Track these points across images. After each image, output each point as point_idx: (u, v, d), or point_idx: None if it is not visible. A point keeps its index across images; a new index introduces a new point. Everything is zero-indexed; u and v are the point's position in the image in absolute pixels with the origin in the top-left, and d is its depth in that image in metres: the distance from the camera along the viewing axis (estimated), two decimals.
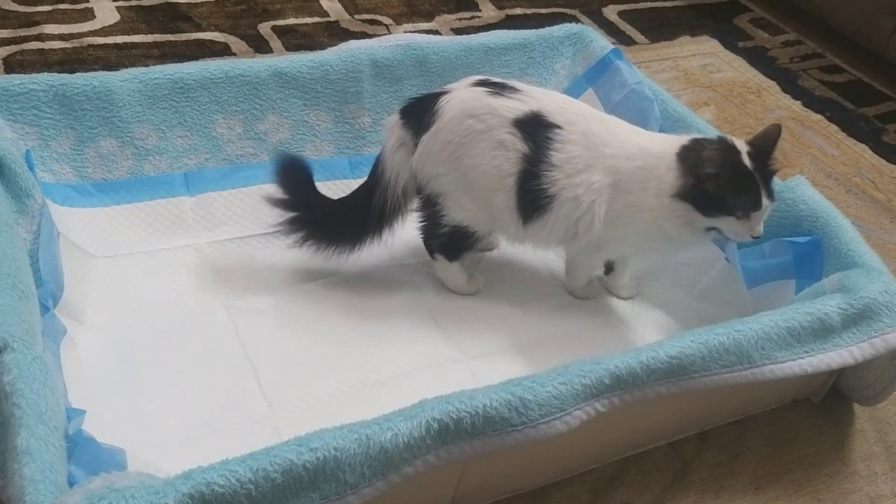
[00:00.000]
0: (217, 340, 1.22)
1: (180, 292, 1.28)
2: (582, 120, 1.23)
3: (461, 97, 1.25)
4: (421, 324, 1.29)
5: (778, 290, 1.26)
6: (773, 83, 2.09)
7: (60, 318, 1.13)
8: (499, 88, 1.25)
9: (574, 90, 1.58)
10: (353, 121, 1.48)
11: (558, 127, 1.22)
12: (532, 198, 1.22)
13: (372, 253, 1.39)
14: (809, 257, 1.23)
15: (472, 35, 1.58)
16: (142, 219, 1.35)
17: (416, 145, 1.24)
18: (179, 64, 1.39)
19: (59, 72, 1.72)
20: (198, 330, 1.23)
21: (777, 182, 1.31)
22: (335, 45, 1.98)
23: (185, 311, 1.26)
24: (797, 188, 1.29)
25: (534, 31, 1.63)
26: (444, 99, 1.25)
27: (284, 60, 1.43)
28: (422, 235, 1.34)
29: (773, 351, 1.04)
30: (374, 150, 1.50)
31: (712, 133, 1.40)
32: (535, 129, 1.22)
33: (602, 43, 1.62)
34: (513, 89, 1.25)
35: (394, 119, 1.28)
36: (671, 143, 1.22)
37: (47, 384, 0.89)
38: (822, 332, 1.07)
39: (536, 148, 1.21)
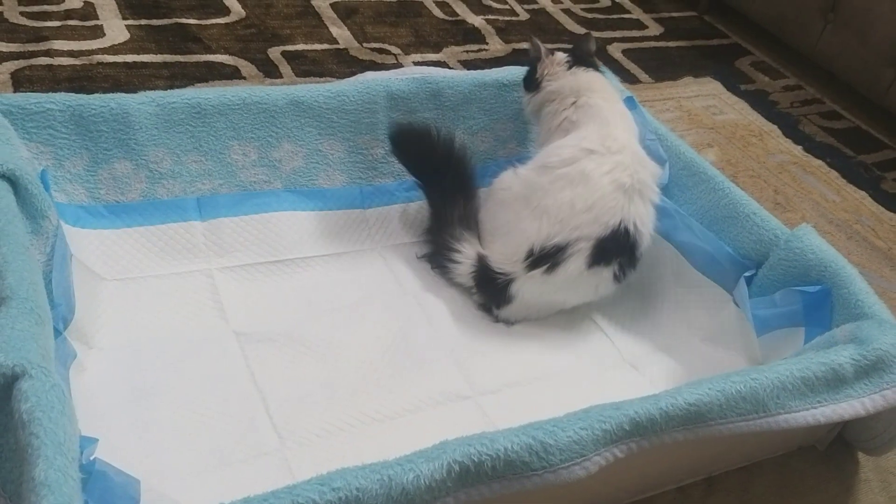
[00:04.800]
0: (226, 369, 1.21)
1: (190, 318, 1.27)
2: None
3: None
4: (434, 356, 1.29)
5: (787, 337, 1.27)
6: (774, 127, 2.12)
7: (70, 342, 1.12)
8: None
9: None
10: (366, 151, 1.49)
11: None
12: None
13: (387, 282, 1.40)
14: (819, 306, 1.25)
15: (486, 70, 1.59)
16: (153, 242, 1.34)
17: None
18: (197, 88, 1.39)
19: (69, 89, 1.73)
20: (207, 357, 1.22)
21: (784, 231, 1.34)
22: (344, 71, 2.01)
23: (195, 337, 1.24)
24: (805, 237, 1.30)
25: None
26: None
27: (302, 90, 1.43)
28: None
29: (787, 400, 1.05)
30: (385, 180, 1.52)
31: (720, 181, 1.43)
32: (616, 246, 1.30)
33: (613, 84, 1.63)
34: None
35: None
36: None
37: (65, 413, 0.88)
38: (835, 382, 1.08)
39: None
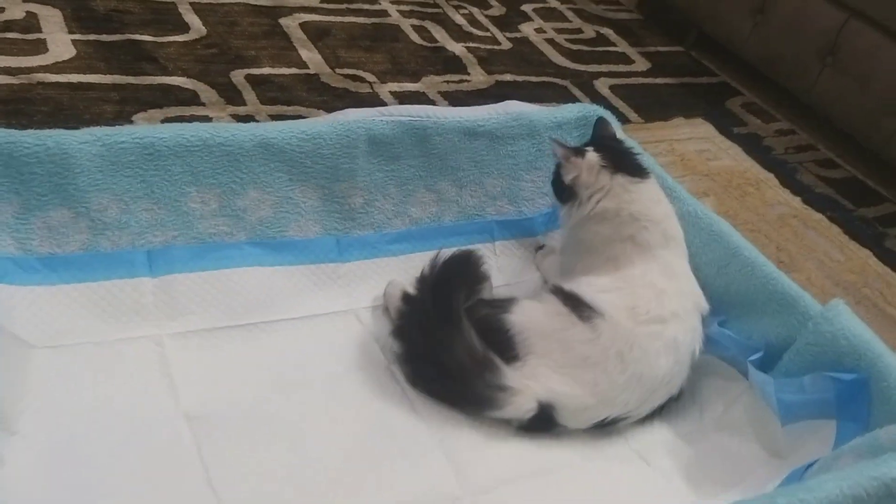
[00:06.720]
0: (176, 462, 1.03)
1: (135, 396, 1.09)
2: None
3: None
4: (419, 446, 1.12)
5: (816, 430, 1.13)
6: (771, 175, 2.01)
7: None
8: None
9: None
10: (343, 200, 1.32)
11: None
12: None
13: (365, 352, 1.24)
14: (854, 397, 1.11)
15: (478, 117, 1.41)
16: (94, 301, 1.15)
17: None
18: (150, 126, 1.22)
19: (2, 112, 1.53)
20: (153, 447, 1.04)
21: (814, 308, 1.20)
22: (314, 100, 1.84)
23: (140, 421, 1.06)
24: (836, 319, 1.16)
25: (545, 110, 1.49)
26: None
27: (272, 130, 1.25)
28: None
29: None
30: (364, 231, 1.35)
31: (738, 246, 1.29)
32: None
33: (615, 132, 1.49)
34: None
35: None
36: None
37: None
38: (888, 500, 0.94)
39: None
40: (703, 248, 1.31)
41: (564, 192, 1.30)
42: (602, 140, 1.35)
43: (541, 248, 1.46)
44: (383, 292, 1.30)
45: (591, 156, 1.28)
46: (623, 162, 1.29)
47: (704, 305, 1.25)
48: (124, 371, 1.12)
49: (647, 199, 1.27)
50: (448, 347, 1.14)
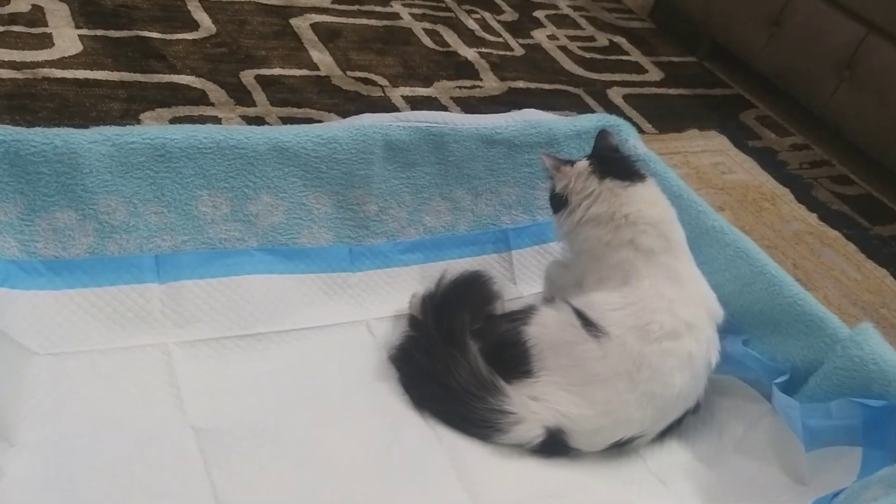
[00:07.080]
0: (182, 476, 0.99)
1: (139, 407, 1.05)
2: None
3: None
4: (432, 464, 1.09)
5: (841, 457, 1.10)
6: (787, 191, 1.98)
7: None
8: None
9: None
10: (357, 207, 1.28)
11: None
12: None
13: (375, 364, 1.20)
14: (882, 424, 1.08)
15: (496, 124, 1.38)
16: (99, 308, 1.11)
17: None
18: (162, 127, 1.18)
19: (6, 108, 1.49)
20: (158, 460, 1.00)
21: (842, 331, 1.17)
22: (325, 102, 1.81)
23: (144, 432, 1.02)
24: (865, 343, 1.13)
25: (563, 119, 1.46)
26: None
27: (286, 133, 1.22)
28: None
29: None
30: (377, 240, 1.31)
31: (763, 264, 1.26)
32: None
33: (634, 142, 1.46)
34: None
35: None
36: None
37: None
38: None
39: None
40: (727, 264, 1.28)
41: (557, 202, 1.27)
42: (601, 151, 1.31)
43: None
44: (408, 304, 1.27)
45: (581, 164, 1.25)
46: (614, 168, 1.24)
47: (718, 311, 1.20)
48: (129, 380, 1.08)
49: (641, 200, 1.22)
50: (451, 371, 1.11)
